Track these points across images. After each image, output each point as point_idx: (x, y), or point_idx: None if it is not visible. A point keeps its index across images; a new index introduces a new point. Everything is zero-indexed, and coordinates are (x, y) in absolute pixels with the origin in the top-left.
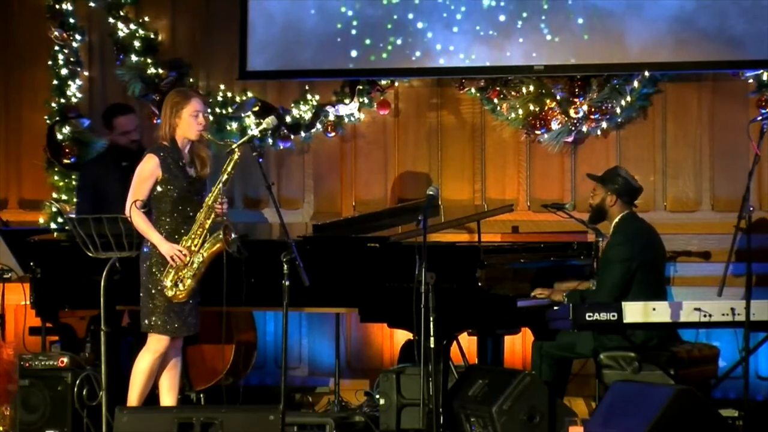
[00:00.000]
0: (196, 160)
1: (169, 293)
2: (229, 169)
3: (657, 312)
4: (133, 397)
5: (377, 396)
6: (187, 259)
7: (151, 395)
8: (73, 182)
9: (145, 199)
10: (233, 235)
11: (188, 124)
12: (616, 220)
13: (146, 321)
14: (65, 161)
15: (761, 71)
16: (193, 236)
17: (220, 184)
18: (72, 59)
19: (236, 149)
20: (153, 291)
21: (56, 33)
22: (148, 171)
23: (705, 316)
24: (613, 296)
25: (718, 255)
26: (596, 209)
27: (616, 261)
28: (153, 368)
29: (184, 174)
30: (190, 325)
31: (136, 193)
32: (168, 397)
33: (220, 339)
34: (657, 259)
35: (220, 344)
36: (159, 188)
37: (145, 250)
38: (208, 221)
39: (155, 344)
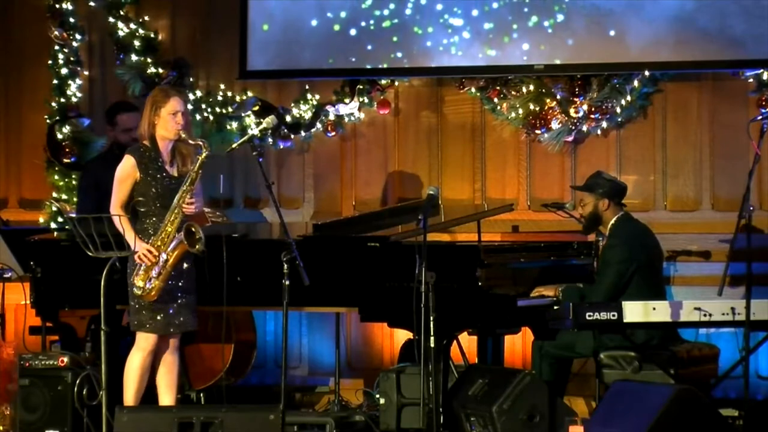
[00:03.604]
0: (178, 158)
1: (138, 292)
2: (196, 168)
3: (657, 311)
4: (129, 397)
5: (377, 395)
6: (156, 258)
7: (151, 395)
8: (74, 182)
9: (126, 198)
10: (200, 236)
11: (167, 122)
12: (612, 222)
13: (132, 319)
14: (65, 161)
15: (761, 71)
16: (162, 235)
17: (187, 184)
18: (72, 59)
19: (204, 149)
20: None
21: (56, 33)
22: (124, 172)
23: (705, 315)
24: (609, 298)
25: (718, 255)
26: (590, 218)
27: (614, 263)
28: (144, 366)
29: (163, 173)
30: (179, 324)
31: (116, 194)
32: (167, 396)
33: (217, 338)
34: (654, 259)
35: (219, 344)
36: (139, 188)
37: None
38: (176, 221)
39: (143, 342)
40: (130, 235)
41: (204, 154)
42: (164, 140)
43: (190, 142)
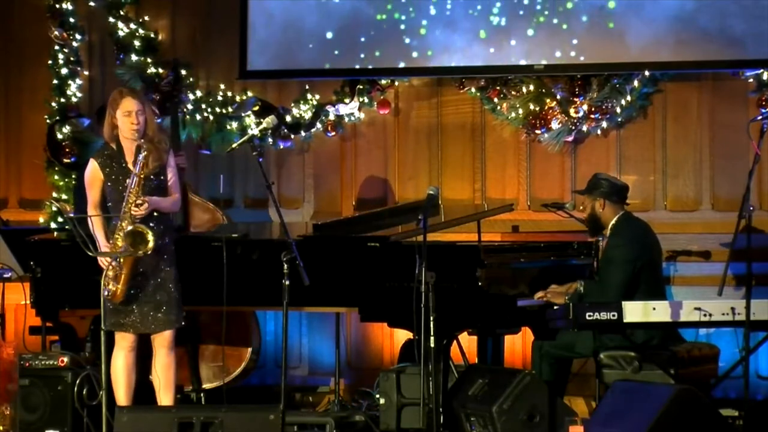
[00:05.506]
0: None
1: (104, 293)
2: (137, 170)
3: (657, 311)
4: (121, 396)
5: (377, 396)
6: (111, 263)
7: (151, 395)
8: (74, 182)
9: (99, 200)
10: (149, 240)
11: (123, 123)
12: (613, 221)
13: (108, 320)
14: (65, 161)
15: (761, 71)
16: (117, 239)
17: (133, 186)
18: (72, 59)
19: (143, 150)
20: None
21: (56, 33)
22: (90, 176)
23: (705, 315)
24: (619, 297)
25: (718, 255)
26: (590, 219)
27: (620, 262)
28: (128, 364)
29: (126, 173)
30: (156, 322)
31: (89, 198)
32: (165, 396)
33: (238, 340)
34: (655, 258)
35: (238, 346)
36: (106, 189)
37: None
38: (126, 223)
39: (122, 341)
40: (99, 237)
41: (142, 155)
42: (126, 140)
43: (134, 141)
